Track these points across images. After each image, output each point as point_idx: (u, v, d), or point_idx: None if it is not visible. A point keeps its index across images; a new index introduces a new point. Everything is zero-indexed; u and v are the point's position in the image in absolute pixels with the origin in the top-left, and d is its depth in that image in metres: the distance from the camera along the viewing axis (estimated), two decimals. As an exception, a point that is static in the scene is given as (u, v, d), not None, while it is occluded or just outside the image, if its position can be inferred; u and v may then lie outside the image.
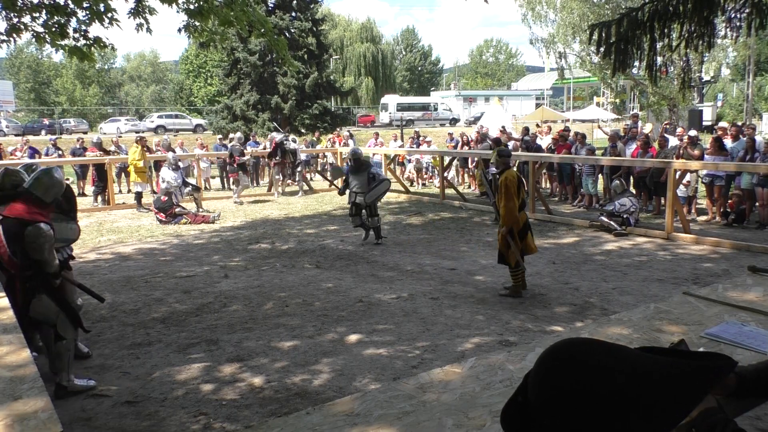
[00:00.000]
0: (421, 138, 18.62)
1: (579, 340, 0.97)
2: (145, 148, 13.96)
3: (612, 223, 9.63)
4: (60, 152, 16.99)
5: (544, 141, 15.03)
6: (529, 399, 0.94)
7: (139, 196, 13.60)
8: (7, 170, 4.60)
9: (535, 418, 0.93)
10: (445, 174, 14.59)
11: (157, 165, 15.11)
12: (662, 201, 10.87)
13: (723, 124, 14.58)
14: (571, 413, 0.89)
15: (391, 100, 47.78)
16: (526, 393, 0.96)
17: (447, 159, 14.88)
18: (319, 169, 16.81)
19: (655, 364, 0.92)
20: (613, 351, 0.93)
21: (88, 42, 8.16)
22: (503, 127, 17.41)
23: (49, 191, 4.12)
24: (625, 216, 9.65)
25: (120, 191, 16.72)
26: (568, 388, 0.89)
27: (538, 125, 20.96)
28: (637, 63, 8.22)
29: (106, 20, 7.81)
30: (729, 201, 10.58)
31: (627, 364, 0.91)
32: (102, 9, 7.76)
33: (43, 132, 36.51)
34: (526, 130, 16.06)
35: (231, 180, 16.34)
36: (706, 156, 10.51)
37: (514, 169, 6.71)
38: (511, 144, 14.60)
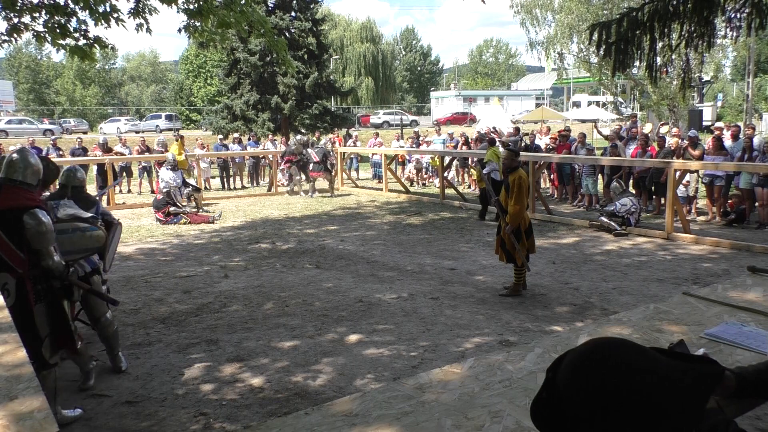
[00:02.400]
0: (420, 138, 18.65)
1: (612, 340, 0.99)
2: (183, 144, 14.18)
3: (612, 223, 9.63)
4: (60, 152, 16.99)
5: (542, 141, 15.06)
6: (560, 395, 0.95)
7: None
8: None
9: (565, 412, 0.94)
10: (445, 174, 14.59)
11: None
12: (662, 201, 10.87)
13: (719, 124, 14.57)
14: (602, 411, 0.90)
15: (583, 98, 47.69)
16: (550, 389, 0.97)
17: (447, 159, 14.89)
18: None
19: (675, 369, 0.94)
20: (642, 352, 0.96)
21: (88, 41, 8.16)
22: (494, 127, 17.43)
23: (26, 172, 3.77)
24: (625, 216, 9.65)
25: (120, 191, 16.73)
26: (601, 386, 0.91)
27: (528, 132, 20.98)
28: (637, 63, 8.22)
29: (113, 20, 7.82)
30: (729, 201, 10.58)
31: (657, 366, 0.93)
32: (108, 9, 7.78)
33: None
34: (517, 130, 16.09)
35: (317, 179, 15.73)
36: (705, 156, 10.51)
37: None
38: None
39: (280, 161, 15.72)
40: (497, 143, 12.46)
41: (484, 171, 11.65)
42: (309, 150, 15.15)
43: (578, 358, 0.96)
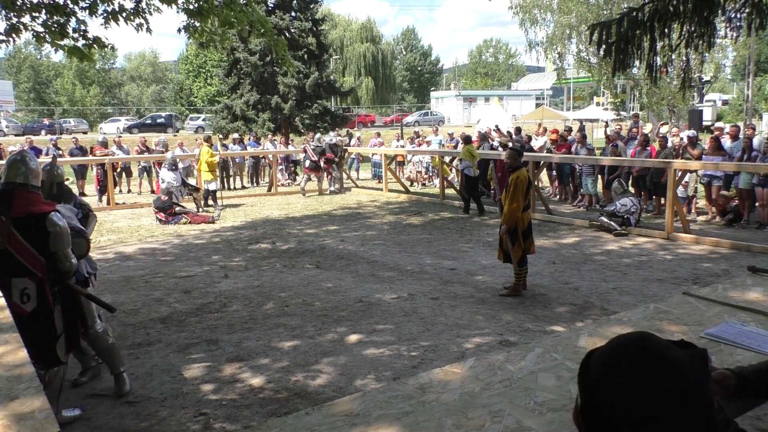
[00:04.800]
0: (419, 138, 18.67)
1: (647, 335, 0.97)
2: (212, 146, 14.15)
3: (612, 223, 9.63)
4: (60, 152, 17.01)
5: (538, 142, 15.10)
6: (595, 393, 0.93)
7: (214, 193, 13.69)
8: None
9: (602, 412, 0.92)
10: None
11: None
12: (662, 201, 10.87)
13: (719, 124, 14.61)
14: (641, 407, 0.89)
15: (715, 96, 46.72)
16: (587, 391, 0.95)
17: (447, 159, 14.89)
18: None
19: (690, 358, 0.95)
20: (674, 348, 0.95)
21: (87, 42, 8.16)
22: (496, 126, 17.47)
23: (30, 175, 3.78)
24: (625, 216, 9.65)
25: (120, 191, 16.72)
26: (642, 382, 0.90)
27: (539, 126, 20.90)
28: (637, 63, 8.22)
29: (121, 19, 7.84)
30: (719, 201, 10.54)
31: (692, 361, 0.93)
32: (117, 9, 7.79)
33: (43, 132, 36.53)
34: (518, 130, 16.13)
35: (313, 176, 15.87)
36: (704, 156, 10.51)
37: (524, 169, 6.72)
38: (496, 141, 14.78)
39: (319, 160, 15.50)
40: (469, 141, 12.89)
41: (460, 168, 12.09)
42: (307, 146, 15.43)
43: (616, 352, 0.94)
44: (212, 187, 13.72)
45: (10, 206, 3.64)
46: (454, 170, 15.90)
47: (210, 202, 13.67)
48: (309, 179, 15.46)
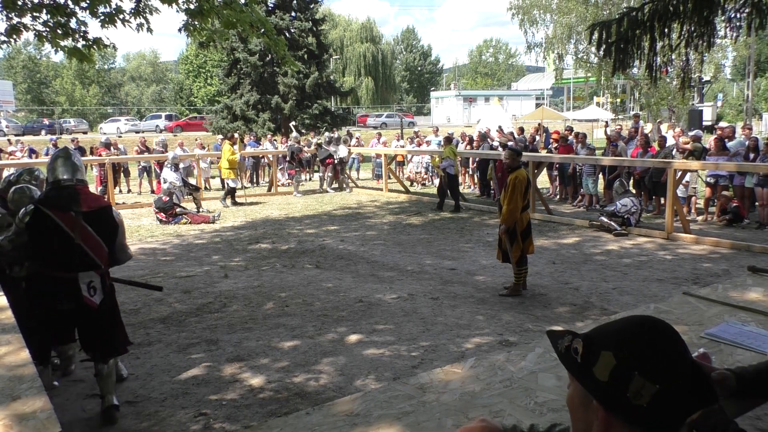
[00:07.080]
0: (419, 138, 18.67)
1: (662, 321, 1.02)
2: (234, 144, 14.49)
3: (612, 223, 9.63)
4: (60, 152, 17.00)
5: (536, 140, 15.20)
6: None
7: (233, 191, 14.04)
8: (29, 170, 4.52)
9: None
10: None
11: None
12: (662, 201, 10.87)
13: (722, 123, 14.64)
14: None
15: None
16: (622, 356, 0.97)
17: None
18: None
19: None
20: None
21: (87, 42, 8.16)
22: (499, 127, 17.51)
23: (80, 171, 3.89)
24: (625, 216, 9.65)
25: (120, 191, 16.72)
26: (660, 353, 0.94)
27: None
28: (637, 63, 8.22)
29: (118, 21, 7.85)
30: (719, 201, 10.55)
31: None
32: (113, 11, 7.81)
33: (43, 132, 36.52)
34: (522, 130, 16.19)
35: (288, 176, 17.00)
36: (708, 156, 10.51)
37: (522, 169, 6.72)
38: (496, 141, 14.84)
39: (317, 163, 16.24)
40: (450, 141, 13.60)
41: (441, 166, 12.78)
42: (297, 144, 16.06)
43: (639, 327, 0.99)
44: (231, 185, 14.01)
45: (78, 202, 3.74)
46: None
47: (237, 200, 14.09)
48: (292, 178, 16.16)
